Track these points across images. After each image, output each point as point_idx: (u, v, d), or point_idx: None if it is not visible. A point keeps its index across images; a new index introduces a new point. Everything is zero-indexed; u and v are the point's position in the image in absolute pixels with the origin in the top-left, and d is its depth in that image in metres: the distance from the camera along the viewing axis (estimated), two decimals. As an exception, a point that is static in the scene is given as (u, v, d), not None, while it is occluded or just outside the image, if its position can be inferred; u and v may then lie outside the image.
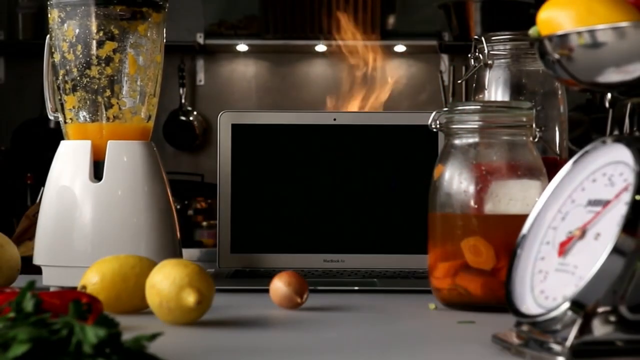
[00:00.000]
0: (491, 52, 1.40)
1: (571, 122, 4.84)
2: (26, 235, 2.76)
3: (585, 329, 0.84)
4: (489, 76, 1.40)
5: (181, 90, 4.29)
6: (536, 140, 1.20)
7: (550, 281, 0.90)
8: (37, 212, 2.84)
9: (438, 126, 1.23)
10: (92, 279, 1.13)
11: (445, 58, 4.28)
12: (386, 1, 4.29)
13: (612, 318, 0.85)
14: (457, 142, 1.20)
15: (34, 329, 0.77)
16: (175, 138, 4.30)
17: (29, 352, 0.75)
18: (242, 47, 4.27)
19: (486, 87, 1.39)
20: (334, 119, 1.56)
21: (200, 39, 4.21)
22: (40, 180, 3.50)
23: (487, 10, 4.03)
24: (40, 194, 3.05)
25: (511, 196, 1.17)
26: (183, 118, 4.32)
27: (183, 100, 4.31)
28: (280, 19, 4.19)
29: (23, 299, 0.83)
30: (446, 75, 4.18)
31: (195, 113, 4.35)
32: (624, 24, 0.86)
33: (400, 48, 4.29)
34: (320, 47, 4.27)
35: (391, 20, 4.35)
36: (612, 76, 0.88)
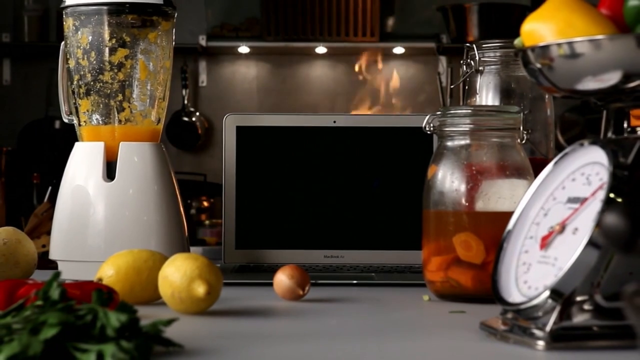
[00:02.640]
0: (482, 59, 1.47)
1: (567, 123, 4.88)
2: (35, 234, 2.84)
3: (563, 315, 0.92)
4: (480, 81, 1.48)
5: (184, 92, 4.36)
6: (524, 142, 1.28)
7: (532, 272, 0.98)
8: (46, 210, 2.93)
9: (432, 129, 1.31)
10: (108, 272, 1.20)
11: (443, 60, 4.34)
12: (385, 4, 4.36)
13: (589, 306, 0.92)
14: (449, 143, 1.28)
15: (62, 314, 0.84)
16: (178, 138, 4.36)
17: (57, 334, 0.83)
18: (243, 49, 4.34)
19: (477, 91, 1.47)
20: (334, 122, 1.64)
21: (202, 41, 4.27)
22: (46, 180, 3.58)
23: (484, 13, 4.09)
24: (48, 193, 3.13)
25: (500, 194, 1.25)
26: (186, 119, 4.39)
27: (186, 102, 4.38)
28: (281, 21, 4.26)
29: (50, 288, 0.90)
30: (444, 77, 4.25)
31: (197, 114, 4.42)
32: (600, 36, 0.93)
33: (399, 50, 4.36)
34: (321, 49, 4.33)
35: (390, 22, 4.42)
36: (590, 84, 0.96)
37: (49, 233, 2.89)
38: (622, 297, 0.59)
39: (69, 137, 4.50)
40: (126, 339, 0.85)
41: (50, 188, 3.05)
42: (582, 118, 4.22)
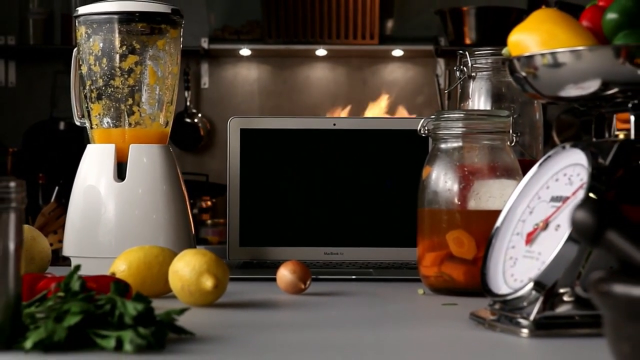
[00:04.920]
0: (474, 66, 1.54)
1: (563, 124, 4.94)
2: (42, 232, 2.90)
3: (546, 305, 0.99)
4: (472, 86, 1.55)
5: (186, 94, 4.42)
6: (513, 144, 1.35)
7: (518, 266, 1.05)
8: (53, 210, 2.99)
9: (426, 131, 1.38)
10: (121, 267, 1.27)
11: (441, 62, 4.41)
12: (384, 7, 4.43)
13: (570, 297, 1.00)
14: (443, 145, 1.35)
15: (84, 304, 0.92)
16: (181, 139, 4.42)
17: (79, 322, 0.90)
18: (245, 51, 4.41)
19: (470, 96, 1.54)
20: (334, 124, 1.71)
21: (204, 43, 4.34)
22: (51, 180, 3.64)
23: (481, 16, 4.16)
24: (54, 193, 3.20)
25: (491, 194, 1.32)
26: (188, 120, 4.45)
27: (188, 103, 4.45)
28: (282, 24, 4.32)
29: (71, 280, 0.98)
30: (442, 79, 4.32)
31: (200, 115, 4.49)
32: (580, 47, 1.01)
33: (398, 52, 4.43)
34: (321, 52, 4.40)
35: (389, 25, 4.49)
36: (571, 92, 1.03)
37: (55, 232, 2.97)
38: (588, 285, 0.66)
39: (73, 138, 4.57)
40: (142, 326, 0.92)
41: (57, 188, 3.12)
42: (577, 120, 4.29)
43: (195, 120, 4.47)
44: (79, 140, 4.21)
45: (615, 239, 0.68)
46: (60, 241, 2.86)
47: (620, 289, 0.64)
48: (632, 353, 0.64)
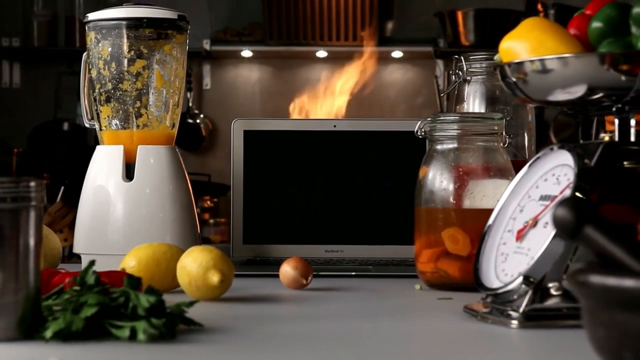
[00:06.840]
0: (469, 70, 1.60)
1: (560, 125, 4.96)
2: (49, 231, 2.95)
3: (535, 298, 1.05)
4: (467, 90, 1.61)
5: (188, 94, 4.47)
6: (506, 145, 1.40)
7: (509, 261, 1.11)
8: (58, 209, 3.04)
9: (423, 133, 1.44)
10: (130, 263, 1.32)
11: (440, 63, 4.46)
12: (384, 9, 4.48)
13: (557, 290, 1.05)
14: (439, 147, 1.41)
15: (99, 296, 0.98)
16: (183, 140, 4.44)
17: (96, 313, 0.96)
18: (246, 53, 4.46)
19: (465, 99, 1.60)
20: (334, 126, 1.76)
21: (206, 45, 4.39)
22: (56, 180, 3.70)
23: (480, 18, 4.21)
24: (60, 193, 3.25)
25: (484, 193, 1.37)
26: (190, 121, 4.50)
27: (190, 104, 4.50)
28: (282, 26, 4.38)
29: (86, 274, 1.03)
30: (441, 80, 4.37)
31: (202, 116, 4.54)
32: (567, 54, 1.07)
33: (397, 54, 4.48)
34: (321, 53, 4.45)
35: (389, 27, 4.55)
36: (559, 96, 1.09)
37: (61, 231, 3.02)
38: (568, 275, 0.72)
39: (77, 138, 4.60)
40: (154, 317, 0.97)
41: (62, 188, 3.17)
42: (574, 121, 4.34)
43: (197, 120, 4.52)
44: (82, 140, 4.26)
45: (592, 234, 0.73)
46: (66, 240, 2.91)
47: (596, 279, 0.69)
48: (606, 337, 0.70)
